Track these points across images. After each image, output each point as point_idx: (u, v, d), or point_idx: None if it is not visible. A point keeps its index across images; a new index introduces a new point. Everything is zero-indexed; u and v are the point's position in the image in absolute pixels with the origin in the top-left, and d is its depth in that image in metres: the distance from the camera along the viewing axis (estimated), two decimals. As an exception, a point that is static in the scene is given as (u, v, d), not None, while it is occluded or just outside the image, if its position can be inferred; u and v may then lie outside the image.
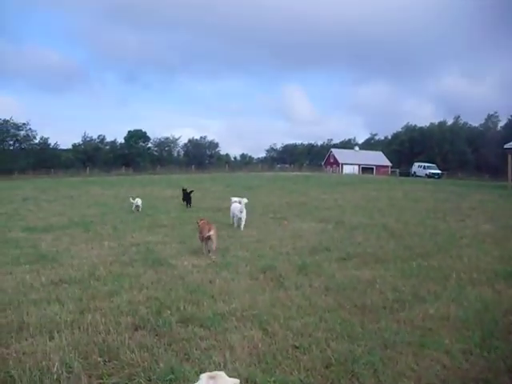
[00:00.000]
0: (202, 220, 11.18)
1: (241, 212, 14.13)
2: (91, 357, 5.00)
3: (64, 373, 4.65)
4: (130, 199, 19.66)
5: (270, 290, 7.58)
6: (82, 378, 4.61)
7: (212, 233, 10.37)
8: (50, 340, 5.43)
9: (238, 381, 3.07)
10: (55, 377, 4.59)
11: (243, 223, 14.13)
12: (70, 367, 4.76)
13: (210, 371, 4.60)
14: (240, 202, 14.37)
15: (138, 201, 19.27)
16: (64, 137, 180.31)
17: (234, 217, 14.67)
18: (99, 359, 4.95)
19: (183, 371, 4.66)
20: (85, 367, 4.80)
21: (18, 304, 6.76)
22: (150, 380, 4.58)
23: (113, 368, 4.83)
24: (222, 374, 3.09)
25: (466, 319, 6.26)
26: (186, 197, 21.00)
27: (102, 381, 4.60)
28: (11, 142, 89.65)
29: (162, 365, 4.81)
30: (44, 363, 4.81)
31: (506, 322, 6.26)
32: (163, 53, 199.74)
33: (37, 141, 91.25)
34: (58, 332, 5.65)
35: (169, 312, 6.36)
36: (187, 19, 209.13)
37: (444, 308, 6.72)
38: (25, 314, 6.31)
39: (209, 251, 10.39)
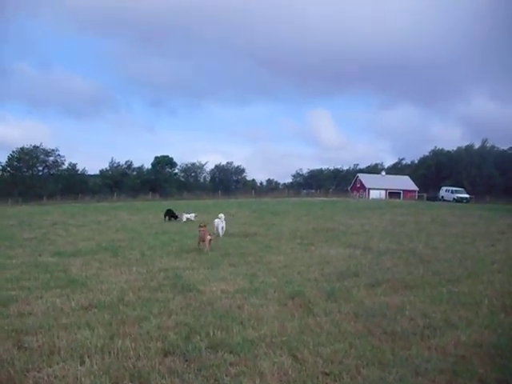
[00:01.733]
0: (203, 227, 15.20)
1: (222, 222, 18.74)
2: (122, 382, 5.02)
3: (95, 398, 4.68)
4: (186, 215, 27.06)
5: (298, 316, 7.53)
6: (114, 403, 4.63)
7: (210, 238, 15.09)
8: (80, 364, 5.47)
9: None
10: (87, 402, 4.61)
11: (223, 232, 18.60)
12: (102, 392, 4.79)
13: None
14: (220, 218, 18.90)
15: (189, 215, 27.18)
16: (91, 162, 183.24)
17: (217, 229, 18.46)
18: (130, 384, 4.97)
19: (213, 397, 4.66)
20: (116, 392, 4.82)
21: (48, 328, 6.83)
22: (180, 406, 4.57)
23: (143, 393, 4.84)
24: None
25: (500, 347, 6.13)
26: (171, 214, 27.61)
27: (132, 406, 4.60)
28: (40, 168, 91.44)
29: (192, 391, 4.81)
30: (75, 388, 4.85)
31: (541, 350, 6.13)
32: (190, 79, 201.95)
33: (65, 166, 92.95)
34: (88, 357, 5.68)
35: (198, 337, 6.36)
36: (215, 45, 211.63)
37: (477, 335, 6.61)
38: (55, 338, 6.37)
39: (201, 249, 14.73)
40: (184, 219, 26.70)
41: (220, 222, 18.67)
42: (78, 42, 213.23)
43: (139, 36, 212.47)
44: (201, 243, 15.08)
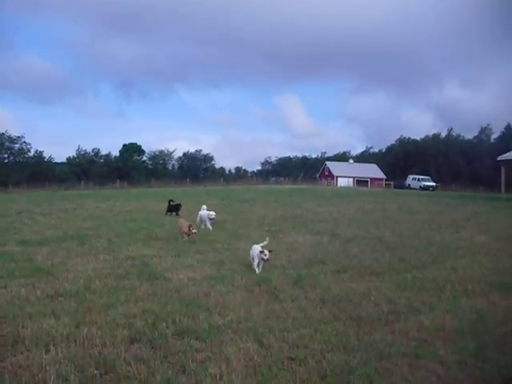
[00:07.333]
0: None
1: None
2: (87, 370, 5.00)
3: (60, 386, 4.66)
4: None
5: (265, 302, 7.60)
6: (79, 391, 4.61)
7: (195, 231, 14.15)
8: (45, 353, 5.43)
9: None
10: (51, 390, 4.59)
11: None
12: (67, 379, 4.76)
13: None
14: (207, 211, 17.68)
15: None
16: (58, 149, 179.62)
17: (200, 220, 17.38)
18: (95, 372, 4.95)
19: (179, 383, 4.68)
20: (81, 380, 4.79)
21: (13, 317, 6.74)
22: (146, 393, 4.59)
23: (109, 381, 4.83)
24: None
25: (461, 330, 6.32)
26: (174, 208, 22.22)
27: (98, 394, 4.60)
28: (6, 155, 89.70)
29: (158, 377, 4.82)
30: (40, 376, 4.81)
31: (500, 332, 6.32)
32: (158, 64, 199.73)
33: (31, 154, 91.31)
34: (53, 345, 5.64)
35: (164, 325, 6.37)
36: (183, 30, 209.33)
37: (439, 319, 6.78)
38: (20, 327, 6.29)
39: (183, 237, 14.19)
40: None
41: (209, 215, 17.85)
42: (41, 23, 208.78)
43: (106, 19, 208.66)
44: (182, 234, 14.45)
